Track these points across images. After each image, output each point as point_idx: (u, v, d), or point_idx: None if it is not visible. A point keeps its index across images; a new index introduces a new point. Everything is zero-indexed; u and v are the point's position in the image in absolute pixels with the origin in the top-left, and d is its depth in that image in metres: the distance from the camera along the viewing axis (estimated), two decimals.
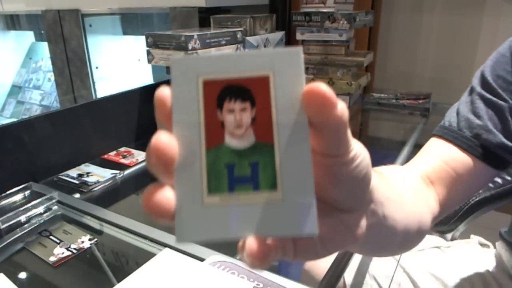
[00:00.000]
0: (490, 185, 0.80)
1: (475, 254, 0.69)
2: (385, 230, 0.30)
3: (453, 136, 0.45)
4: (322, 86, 0.19)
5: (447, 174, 0.44)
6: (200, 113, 0.20)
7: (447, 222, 0.79)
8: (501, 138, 0.43)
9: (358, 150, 0.22)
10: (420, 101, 1.29)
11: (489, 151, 0.44)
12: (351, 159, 0.21)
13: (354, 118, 1.35)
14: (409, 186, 0.40)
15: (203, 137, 0.20)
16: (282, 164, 0.20)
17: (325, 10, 1.29)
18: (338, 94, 1.29)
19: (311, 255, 0.23)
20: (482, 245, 0.72)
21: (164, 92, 0.20)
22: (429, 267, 0.66)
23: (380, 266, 0.66)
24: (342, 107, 0.19)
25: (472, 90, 0.48)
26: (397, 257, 0.67)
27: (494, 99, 0.45)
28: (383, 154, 1.11)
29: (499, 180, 0.80)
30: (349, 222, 0.24)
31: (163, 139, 0.19)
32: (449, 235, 0.80)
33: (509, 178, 0.77)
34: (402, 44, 1.56)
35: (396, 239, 0.34)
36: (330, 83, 1.32)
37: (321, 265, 0.61)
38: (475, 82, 0.48)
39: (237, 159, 0.20)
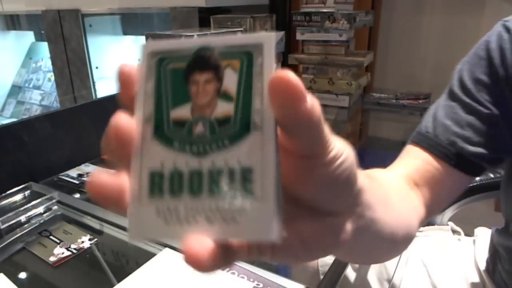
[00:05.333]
0: (491, 174, 0.81)
1: (447, 240, 0.70)
2: (372, 235, 0.28)
3: (429, 144, 0.44)
4: (288, 74, 0.16)
5: (430, 174, 0.43)
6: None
7: None
8: (478, 147, 0.43)
9: (340, 149, 0.19)
10: (420, 101, 1.29)
11: (465, 159, 0.43)
12: (330, 159, 0.19)
13: (354, 118, 1.35)
14: (395, 188, 0.39)
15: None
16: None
17: (325, 10, 1.29)
18: (338, 94, 1.31)
19: (291, 258, 0.21)
20: (453, 231, 0.73)
21: (129, 68, 0.20)
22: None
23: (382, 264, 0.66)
24: (312, 101, 0.17)
25: (451, 94, 0.46)
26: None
27: (474, 104, 0.43)
28: (383, 154, 1.11)
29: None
30: (334, 225, 0.22)
31: (122, 121, 0.18)
32: (439, 218, 0.81)
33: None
34: (402, 44, 1.56)
35: (382, 245, 0.33)
36: (330, 83, 1.32)
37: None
38: (455, 85, 0.46)
39: None
